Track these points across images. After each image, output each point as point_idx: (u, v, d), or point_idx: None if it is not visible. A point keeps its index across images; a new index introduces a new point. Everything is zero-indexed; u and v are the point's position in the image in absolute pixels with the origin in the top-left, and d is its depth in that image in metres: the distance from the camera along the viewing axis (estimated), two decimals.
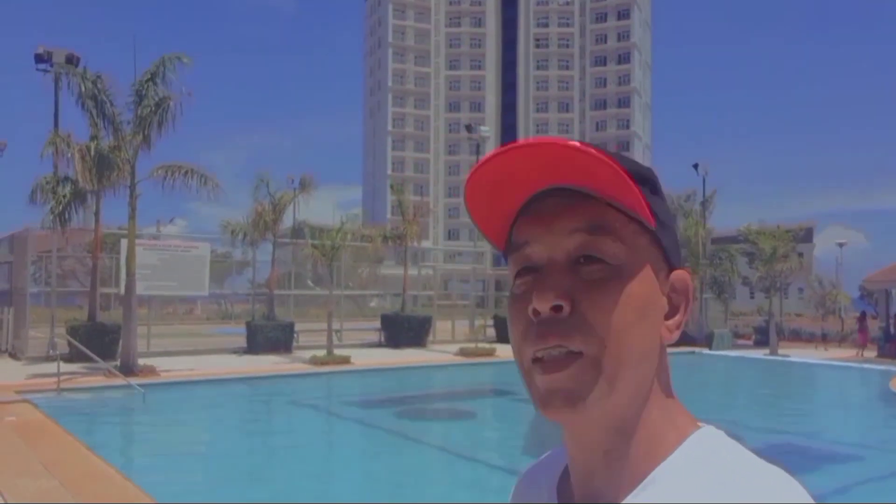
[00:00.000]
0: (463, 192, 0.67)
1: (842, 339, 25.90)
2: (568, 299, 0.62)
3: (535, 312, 0.62)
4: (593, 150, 0.60)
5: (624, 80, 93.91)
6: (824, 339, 26.15)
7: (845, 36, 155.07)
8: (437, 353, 18.97)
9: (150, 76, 14.59)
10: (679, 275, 0.68)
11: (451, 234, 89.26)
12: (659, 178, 0.69)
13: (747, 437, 9.66)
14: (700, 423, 0.67)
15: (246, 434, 10.42)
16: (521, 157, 0.62)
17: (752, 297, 44.04)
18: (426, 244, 46.09)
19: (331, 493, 7.17)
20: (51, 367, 13.90)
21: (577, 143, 0.60)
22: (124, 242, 16.25)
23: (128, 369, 13.61)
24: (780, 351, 21.30)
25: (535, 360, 0.62)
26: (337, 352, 16.87)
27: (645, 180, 0.66)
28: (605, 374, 0.61)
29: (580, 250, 0.63)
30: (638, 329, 0.63)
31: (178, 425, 10.80)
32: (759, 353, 21.02)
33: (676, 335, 0.66)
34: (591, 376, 0.61)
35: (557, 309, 0.61)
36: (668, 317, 0.66)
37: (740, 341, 24.83)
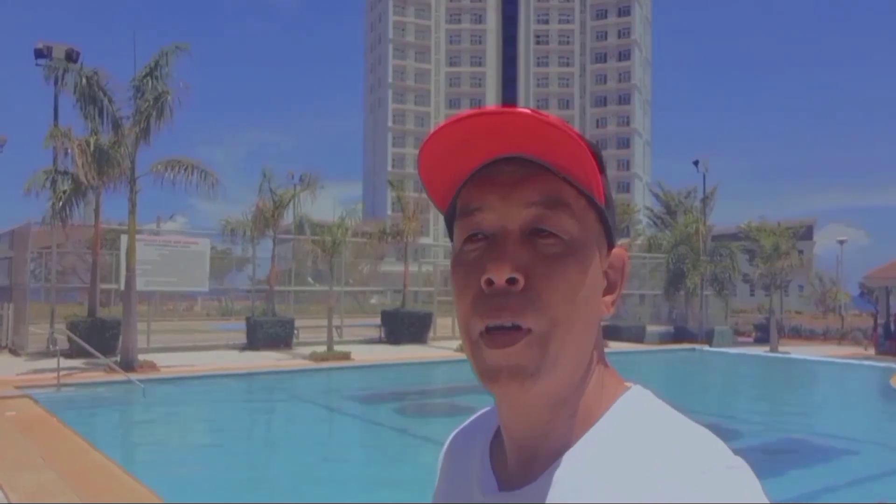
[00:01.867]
0: (419, 150, 0.66)
1: (842, 337, 25.89)
2: (522, 272, 0.61)
3: (489, 283, 0.61)
4: (558, 122, 0.60)
5: (624, 76, 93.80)
6: (825, 336, 26.15)
7: (845, 33, 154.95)
8: (437, 350, 18.97)
9: (149, 70, 14.57)
10: (617, 252, 0.69)
11: None
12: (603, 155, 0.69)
13: (750, 433, 9.68)
14: (628, 384, 0.69)
15: (246, 430, 10.42)
16: (484, 124, 0.62)
17: (752, 295, 44.11)
18: (426, 241, 46.01)
19: (334, 488, 7.16)
20: (50, 363, 13.89)
21: (543, 114, 0.60)
22: (124, 238, 16.23)
23: (128, 365, 13.60)
24: (781, 348, 21.30)
25: (483, 333, 0.62)
26: (337, 348, 16.87)
27: (596, 156, 0.66)
28: (551, 352, 0.61)
29: (535, 223, 0.63)
30: (586, 307, 0.64)
31: (179, 421, 10.79)
32: (760, 350, 21.02)
33: (612, 311, 0.68)
34: (539, 353, 0.61)
35: (512, 282, 0.61)
36: (605, 293, 0.68)
37: (741, 338, 24.83)
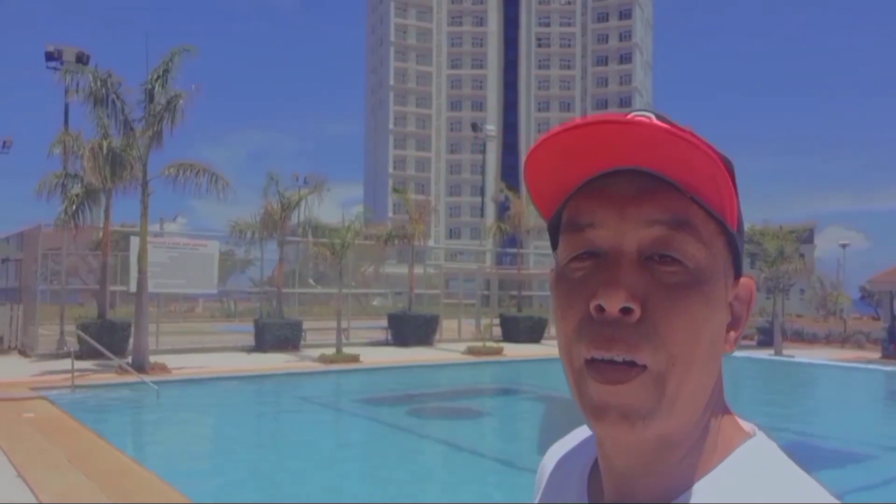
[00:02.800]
0: (528, 154, 0.59)
1: (844, 340, 25.97)
2: (639, 302, 0.54)
3: (600, 309, 0.55)
4: (690, 136, 0.54)
5: (625, 79, 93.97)
6: (828, 340, 26.23)
7: (847, 36, 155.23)
8: (444, 352, 19.04)
9: (159, 73, 14.65)
10: (746, 282, 0.62)
11: (453, 233, 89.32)
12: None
13: (768, 432, 9.73)
14: (749, 430, 0.63)
15: (264, 431, 10.51)
16: (604, 133, 0.55)
17: None
18: (428, 243, 46.11)
19: (351, 489, 7.24)
20: (61, 364, 13.98)
21: (673, 126, 0.55)
22: (134, 240, 16.30)
23: (139, 367, 13.67)
24: (784, 351, 21.38)
25: (589, 362, 0.56)
26: (345, 350, 16.93)
27: (731, 175, 0.59)
28: (668, 393, 0.55)
29: (656, 246, 0.56)
30: (709, 345, 0.57)
31: (196, 422, 10.87)
32: (764, 354, 21.09)
33: (734, 347, 0.60)
34: (654, 394, 0.55)
35: (626, 311, 0.54)
36: (729, 328, 0.60)
37: (743, 341, 24.79)
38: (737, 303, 0.61)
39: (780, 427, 10.95)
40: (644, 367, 0.54)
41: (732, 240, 0.60)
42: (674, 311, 0.55)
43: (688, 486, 0.58)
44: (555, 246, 0.63)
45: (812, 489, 0.56)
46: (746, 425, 0.63)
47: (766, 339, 23.47)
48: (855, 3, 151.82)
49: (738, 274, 0.61)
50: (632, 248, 0.56)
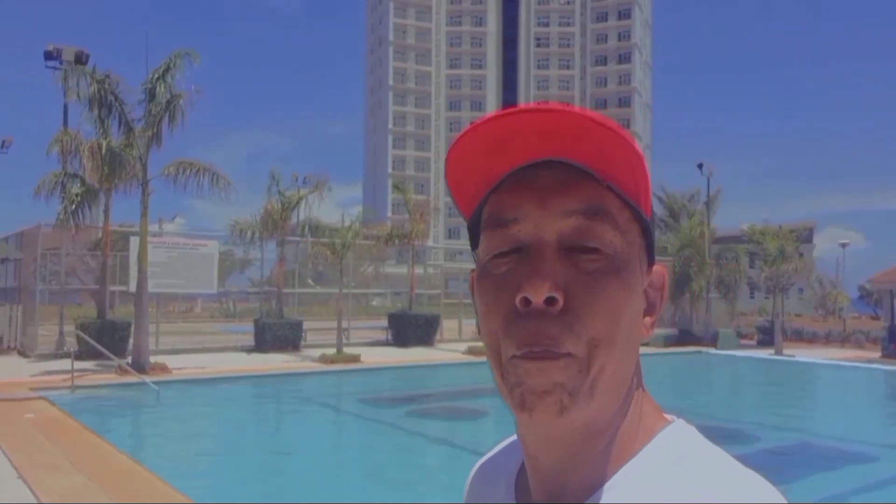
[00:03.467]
0: (449, 148, 0.60)
1: (844, 340, 25.97)
2: (561, 291, 0.56)
3: (526, 302, 0.56)
4: (611, 124, 0.55)
5: (625, 79, 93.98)
6: (827, 339, 26.23)
7: (845, 36, 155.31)
8: (445, 352, 19.01)
9: (160, 74, 14.61)
10: (658, 270, 0.64)
11: (452, 233, 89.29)
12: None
13: (764, 437, 9.74)
14: (669, 418, 0.64)
15: (264, 431, 10.47)
16: (525, 122, 0.56)
17: (752, 297, 44.21)
18: (427, 243, 46.11)
19: (353, 489, 7.21)
20: (60, 364, 13.94)
21: (596, 115, 0.55)
22: (133, 240, 16.26)
23: (140, 367, 13.63)
24: (784, 351, 21.36)
25: (515, 358, 0.57)
26: (346, 350, 16.90)
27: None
28: (591, 375, 0.56)
29: (575, 235, 0.57)
30: (628, 329, 0.58)
31: (197, 422, 10.83)
32: (765, 353, 21.08)
33: (652, 333, 0.62)
34: (578, 375, 0.56)
35: (550, 301, 0.55)
36: (645, 314, 0.62)
37: (743, 341, 24.89)
38: (651, 290, 0.63)
39: (781, 426, 10.94)
40: (569, 354, 0.56)
41: (646, 227, 0.61)
42: (594, 298, 0.56)
43: (613, 474, 0.59)
44: (475, 245, 0.64)
45: (737, 470, 0.57)
46: (667, 414, 0.65)
47: (766, 338, 23.47)
48: (855, 1, 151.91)
49: (651, 261, 0.63)
50: (552, 239, 0.57)
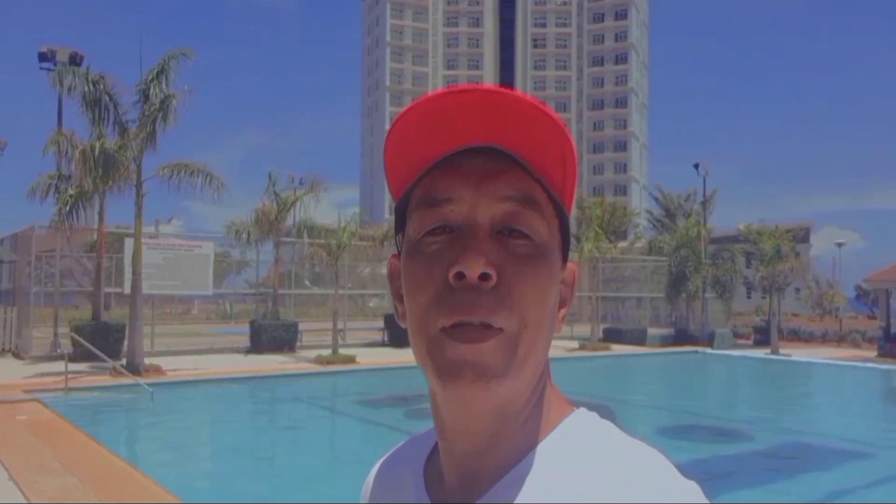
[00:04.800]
0: (389, 130, 0.61)
1: (840, 339, 26.00)
2: (495, 269, 0.57)
3: (459, 276, 0.57)
4: (552, 114, 0.57)
5: (621, 80, 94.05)
6: (824, 339, 26.26)
7: (842, 37, 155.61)
8: None
9: (154, 74, 14.57)
10: (570, 267, 0.66)
11: None
12: None
13: (760, 436, 9.72)
14: (574, 407, 0.66)
15: (259, 433, 10.43)
16: (465, 103, 0.57)
17: (748, 297, 44.27)
18: None
19: (349, 490, 7.18)
20: (55, 366, 13.88)
21: (535, 100, 0.56)
22: (128, 241, 16.22)
23: (134, 369, 13.57)
24: (781, 350, 21.37)
25: (447, 329, 0.57)
26: (342, 351, 16.87)
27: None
28: (520, 354, 0.58)
29: (507, 220, 0.59)
30: (551, 314, 0.61)
31: (191, 424, 10.79)
32: (761, 353, 21.09)
33: (561, 327, 0.64)
34: (508, 354, 0.57)
35: (484, 277, 0.57)
36: (560, 306, 0.65)
37: (740, 341, 24.90)
38: (563, 285, 0.65)
39: (777, 425, 10.92)
40: (500, 329, 0.57)
41: (565, 224, 0.64)
42: (525, 279, 0.58)
43: (523, 457, 0.61)
44: (400, 228, 0.65)
45: (644, 449, 0.59)
46: (571, 405, 0.68)
47: (762, 338, 23.49)
48: (852, 3, 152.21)
49: (565, 258, 0.65)
50: (485, 222, 0.59)
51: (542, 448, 0.61)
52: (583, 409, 0.66)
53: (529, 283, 0.58)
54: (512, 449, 0.61)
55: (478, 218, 0.59)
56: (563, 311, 0.65)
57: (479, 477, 0.61)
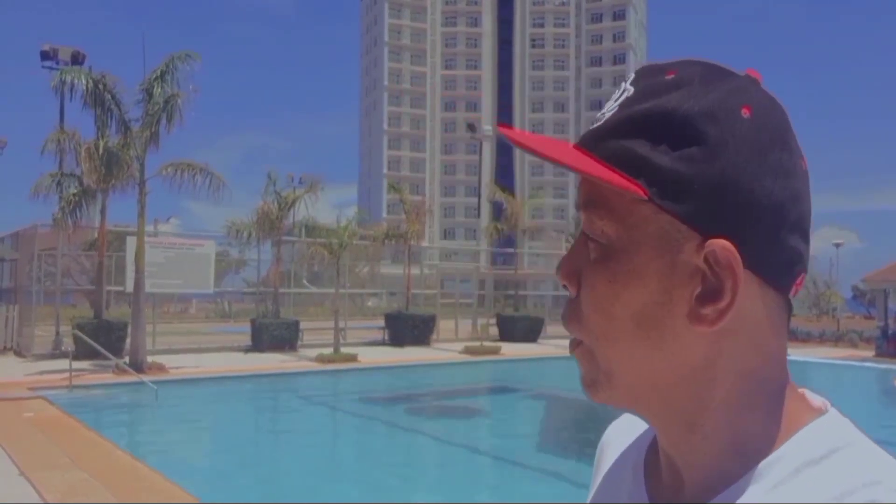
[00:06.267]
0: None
1: (838, 339, 26.10)
2: (572, 279, 0.57)
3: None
4: (531, 139, 0.55)
5: (619, 81, 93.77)
6: (821, 338, 26.36)
7: (838, 36, 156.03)
8: (442, 352, 19.04)
9: (159, 74, 14.63)
10: (718, 244, 0.51)
11: (447, 234, 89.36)
12: (702, 108, 0.52)
13: None
14: (818, 405, 0.57)
15: (263, 430, 10.50)
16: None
17: None
18: (423, 243, 46.10)
19: (352, 487, 7.24)
20: (57, 364, 13.92)
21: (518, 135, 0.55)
22: (130, 240, 16.27)
23: (137, 367, 13.63)
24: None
25: None
26: (343, 350, 16.93)
27: (654, 125, 0.53)
28: (602, 365, 0.56)
29: (583, 227, 0.58)
30: (629, 321, 0.54)
31: (196, 421, 10.85)
32: None
33: (720, 323, 0.51)
34: (592, 365, 0.57)
35: (567, 287, 0.58)
36: (704, 300, 0.52)
37: None
38: (709, 270, 0.52)
39: None
40: (581, 341, 0.57)
41: (665, 204, 0.52)
42: (587, 288, 0.56)
43: (737, 477, 0.53)
44: None
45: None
46: (816, 400, 0.58)
47: None
48: (849, 5, 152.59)
49: (705, 234, 0.52)
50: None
51: (763, 468, 0.52)
52: (832, 415, 0.56)
53: (589, 290, 0.56)
54: (714, 465, 0.54)
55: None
56: (714, 306, 0.51)
57: (684, 485, 0.57)
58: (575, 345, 0.57)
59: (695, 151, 0.51)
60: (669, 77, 0.55)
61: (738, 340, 0.53)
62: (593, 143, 0.55)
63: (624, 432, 0.69)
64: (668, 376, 0.54)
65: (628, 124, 0.53)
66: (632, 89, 0.55)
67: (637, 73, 0.57)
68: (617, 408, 0.59)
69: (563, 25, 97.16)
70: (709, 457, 0.54)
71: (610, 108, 0.56)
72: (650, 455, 0.63)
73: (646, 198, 0.52)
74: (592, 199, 0.55)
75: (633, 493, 0.62)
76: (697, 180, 0.51)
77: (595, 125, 0.56)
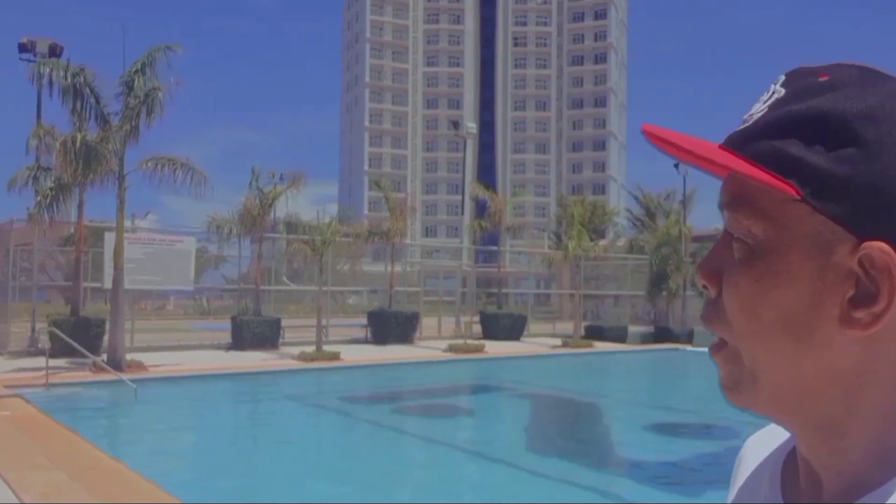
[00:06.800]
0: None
1: None
2: (715, 280, 0.56)
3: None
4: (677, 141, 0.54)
5: (601, 79, 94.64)
6: None
7: (825, 34, 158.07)
8: (425, 350, 18.98)
9: (139, 67, 14.40)
10: (872, 248, 0.50)
11: (429, 231, 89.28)
12: (857, 109, 0.51)
13: (742, 430, 9.84)
14: None
15: (245, 429, 10.37)
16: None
17: None
18: (405, 240, 45.96)
19: (336, 486, 7.16)
20: (33, 362, 13.66)
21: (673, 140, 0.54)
22: (108, 235, 16.01)
23: (115, 364, 13.40)
24: None
25: None
26: (325, 348, 16.80)
27: (808, 126, 0.52)
28: (747, 367, 0.55)
29: (728, 226, 0.57)
30: (777, 323, 0.53)
31: (176, 420, 10.70)
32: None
33: (874, 327, 0.50)
34: (737, 367, 0.55)
35: (706, 288, 0.57)
36: (857, 303, 0.51)
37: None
38: (863, 273, 0.51)
39: (755, 422, 11.07)
40: (725, 342, 0.56)
41: (819, 204, 0.51)
42: (730, 286, 0.55)
43: (881, 481, 0.52)
44: None
45: None
46: None
47: None
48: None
49: (861, 236, 0.50)
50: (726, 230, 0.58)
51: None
52: None
53: (732, 289, 0.55)
54: (857, 470, 0.53)
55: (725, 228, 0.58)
56: (866, 310, 0.50)
57: (825, 489, 0.56)
58: (718, 347, 0.56)
59: (852, 152, 0.51)
60: (823, 79, 0.54)
61: (892, 346, 0.52)
62: (741, 143, 0.55)
63: (762, 444, 0.69)
64: (816, 380, 0.53)
65: (780, 125, 0.53)
66: (782, 91, 0.56)
67: (787, 75, 0.57)
68: (758, 414, 0.57)
69: (544, 24, 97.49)
70: (851, 465, 0.54)
71: (759, 110, 0.56)
72: (788, 464, 0.63)
73: (799, 198, 0.52)
74: (739, 198, 0.55)
75: (769, 498, 0.62)
76: (854, 181, 0.51)
77: (743, 126, 0.56)
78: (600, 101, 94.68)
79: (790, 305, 0.52)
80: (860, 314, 0.50)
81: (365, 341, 20.41)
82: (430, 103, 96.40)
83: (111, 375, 12.40)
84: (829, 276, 0.52)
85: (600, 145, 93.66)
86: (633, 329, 23.77)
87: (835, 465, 0.55)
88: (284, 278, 27.40)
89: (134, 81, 14.21)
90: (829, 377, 0.53)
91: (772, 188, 0.52)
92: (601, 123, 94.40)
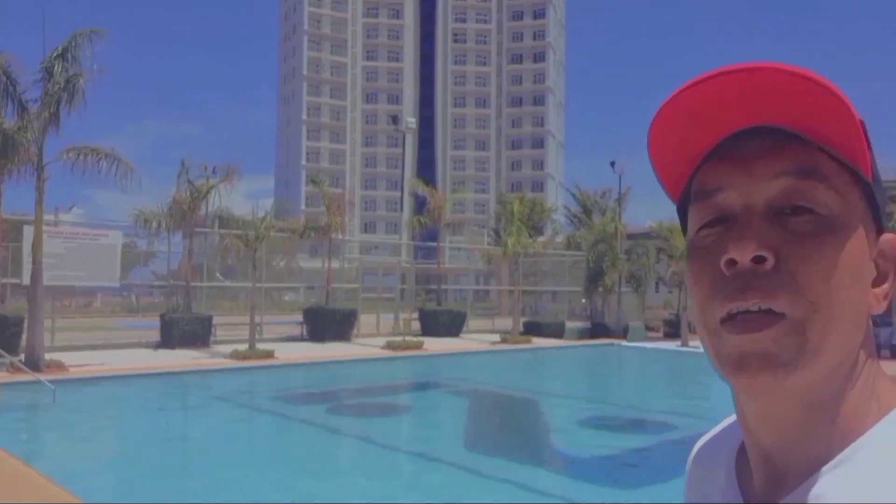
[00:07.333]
0: (650, 129, 0.59)
1: None
2: (771, 250, 0.53)
3: (731, 263, 0.54)
4: (814, 76, 0.53)
5: (539, 78, 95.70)
6: None
7: (782, 31, 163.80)
8: (363, 347, 18.73)
9: (60, 52, 13.69)
10: (890, 238, 0.59)
11: (368, 227, 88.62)
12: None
13: (679, 423, 10.02)
14: None
15: (172, 432, 9.94)
16: (725, 87, 0.54)
17: (656, 291, 45.88)
18: (344, 237, 45.42)
19: (269, 488, 6.91)
20: None
21: (796, 68, 0.53)
22: (27, 229, 15.21)
23: (33, 364, 12.73)
24: (690, 342, 22.23)
25: (725, 320, 0.54)
26: (259, 346, 16.38)
27: (862, 123, 0.56)
28: (812, 341, 0.53)
29: (785, 197, 0.55)
30: (851, 293, 0.54)
31: (97, 424, 10.16)
32: (672, 345, 21.87)
33: (884, 305, 0.57)
34: (795, 342, 0.53)
35: (759, 260, 0.53)
36: (874, 284, 0.57)
37: (651, 333, 25.74)
38: (882, 259, 0.58)
39: (688, 413, 11.30)
40: (782, 315, 0.53)
41: (869, 191, 0.57)
42: (808, 257, 0.53)
43: (837, 453, 0.54)
44: (685, 230, 0.62)
45: None
46: None
47: (673, 330, 24.30)
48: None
49: (880, 228, 0.58)
50: (760, 204, 0.55)
51: (861, 442, 0.54)
52: None
53: (813, 260, 0.53)
54: (823, 443, 0.55)
55: (752, 201, 0.56)
56: (881, 288, 0.57)
57: (787, 474, 0.57)
58: (766, 321, 0.53)
59: (871, 151, 0.58)
60: None
61: (868, 324, 0.58)
62: None
63: (713, 445, 0.70)
64: (855, 357, 0.56)
65: None
66: None
67: None
68: (776, 399, 0.55)
69: (484, 21, 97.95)
70: (821, 438, 0.55)
71: None
72: (741, 460, 0.63)
73: (870, 181, 0.57)
74: (816, 168, 0.55)
75: (727, 496, 0.63)
76: (878, 178, 0.59)
77: None
78: (539, 100, 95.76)
79: (859, 281, 0.56)
80: (878, 293, 0.57)
81: (301, 339, 20.02)
82: (370, 98, 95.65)
83: (28, 376, 11.77)
84: (870, 257, 0.57)
85: (539, 143, 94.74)
86: (571, 325, 24.07)
87: (803, 449, 0.55)
88: (217, 275, 26.66)
89: (54, 67, 13.49)
90: (854, 355, 0.56)
91: (857, 167, 0.56)
92: (540, 122, 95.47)
